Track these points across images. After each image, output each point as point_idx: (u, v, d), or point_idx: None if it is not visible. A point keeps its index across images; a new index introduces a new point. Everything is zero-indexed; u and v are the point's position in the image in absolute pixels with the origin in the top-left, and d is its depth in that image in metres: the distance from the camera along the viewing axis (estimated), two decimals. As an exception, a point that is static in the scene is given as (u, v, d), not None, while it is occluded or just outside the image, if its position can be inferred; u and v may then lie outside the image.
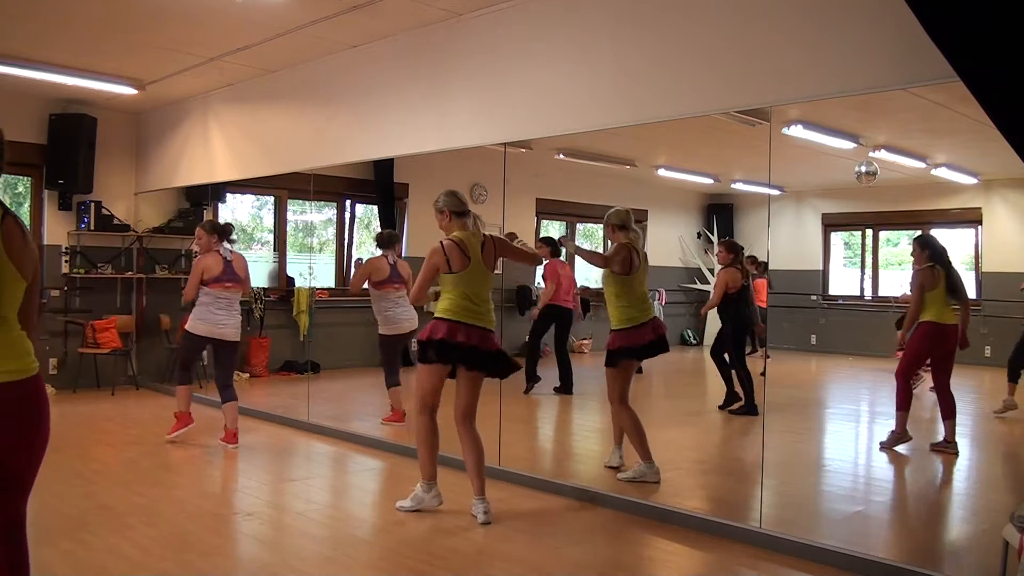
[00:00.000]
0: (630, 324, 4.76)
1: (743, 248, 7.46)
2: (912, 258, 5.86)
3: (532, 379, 8.03)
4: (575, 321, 8.27)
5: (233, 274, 5.71)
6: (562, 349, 8.08)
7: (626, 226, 4.91)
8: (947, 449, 5.66)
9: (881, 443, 5.87)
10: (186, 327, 5.76)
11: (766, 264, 9.77)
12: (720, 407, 7.18)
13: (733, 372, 7.15)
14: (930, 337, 5.66)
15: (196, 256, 5.90)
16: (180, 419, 5.79)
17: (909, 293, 5.87)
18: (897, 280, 9.23)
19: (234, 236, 6.05)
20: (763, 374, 7.59)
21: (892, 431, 5.78)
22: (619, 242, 4.90)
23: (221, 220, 9.45)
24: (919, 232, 11.73)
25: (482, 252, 4.19)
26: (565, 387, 8.01)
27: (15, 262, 2.12)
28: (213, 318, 5.63)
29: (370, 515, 4.33)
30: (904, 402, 5.71)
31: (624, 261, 4.77)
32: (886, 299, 8.95)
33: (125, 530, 3.85)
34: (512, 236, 4.64)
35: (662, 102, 4.27)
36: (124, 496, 4.45)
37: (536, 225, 11.37)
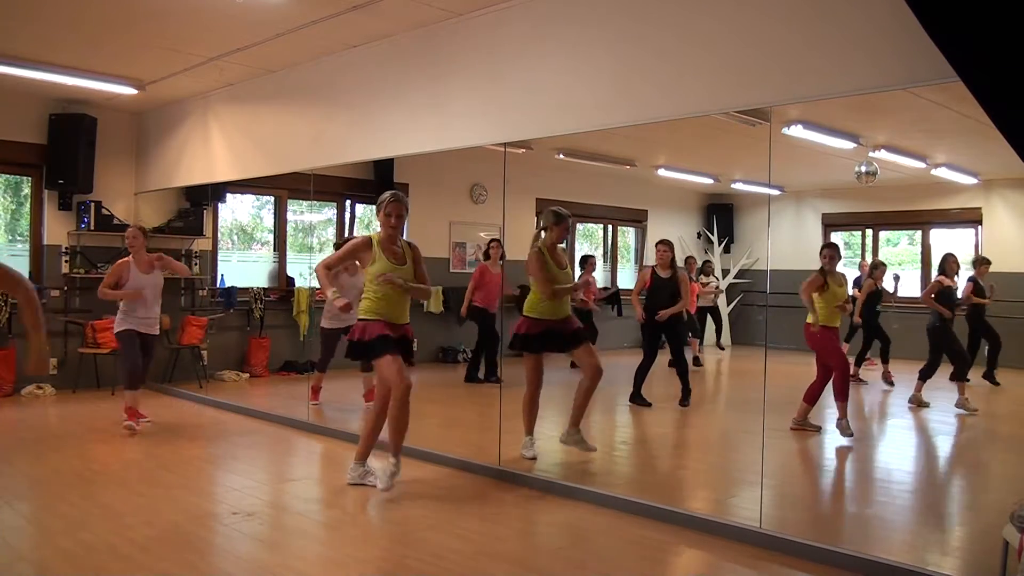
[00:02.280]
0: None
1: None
2: (825, 260, 6.34)
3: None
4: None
5: None
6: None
7: (545, 227, 5.34)
8: (805, 427, 6.31)
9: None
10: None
11: (702, 266, 10.82)
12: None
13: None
14: None
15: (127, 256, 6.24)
16: (131, 414, 6.16)
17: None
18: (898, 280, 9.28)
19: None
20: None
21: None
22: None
23: (222, 221, 9.50)
24: (920, 234, 11.86)
25: None
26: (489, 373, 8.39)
27: None
28: None
29: (370, 515, 4.33)
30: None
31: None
32: (888, 299, 9.01)
33: (125, 530, 3.85)
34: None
35: (662, 102, 4.27)
36: (124, 496, 4.45)
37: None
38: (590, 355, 5.20)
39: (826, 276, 6.24)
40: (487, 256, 8.66)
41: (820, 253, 6.38)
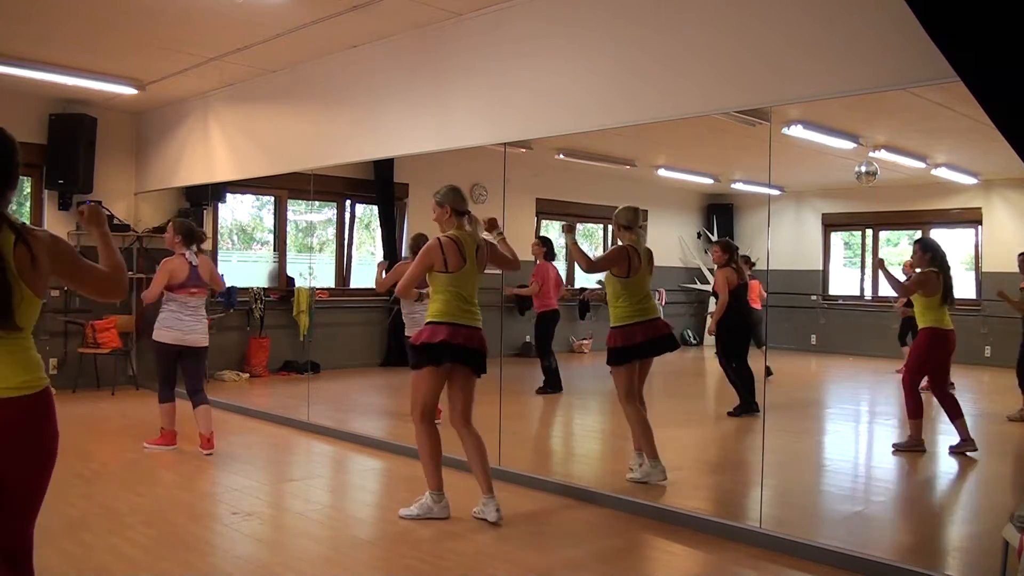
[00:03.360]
0: (628, 322, 4.77)
1: (738, 248, 7.47)
2: (912, 259, 5.83)
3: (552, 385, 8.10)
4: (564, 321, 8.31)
5: (199, 279, 5.56)
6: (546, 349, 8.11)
7: (631, 226, 4.89)
8: (966, 447, 5.65)
9: (895, 445, 5.89)
10: (154, 337, 5.52)
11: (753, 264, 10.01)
12: (730, 413, 7.04)
13: (734, 373, 7.12)
14: (933, 343, 5.69)
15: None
16: (164, 436, 5.64)
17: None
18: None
19: (204, 246, 5.91)
20: (770, 374, 7.48)
21: (909, 436, 5.77)
22: (620, 243, 4.91)
23: (222, 221, 9.47)
24: (920, 234, 11.86)
25: (476, 254, 4.20)
26: (551, 386, 8.03)
27: (27, 283, 2.14)
28: (181, 325, 5.47)
29: (370, 515, 4.33)
30: (915, 410, 5.71)
31: (621, 264, 4.77)
32: (886, 299, 9.05)
33: (125, 530, 3.85)
34: (493, 222, 4.55)
35: (662, 102, 4.27)
36: (124, 496, 4.45)
37: (536, 225, 11.38)
38: (647, 369, 4.98)
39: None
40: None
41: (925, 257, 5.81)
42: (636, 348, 4.77)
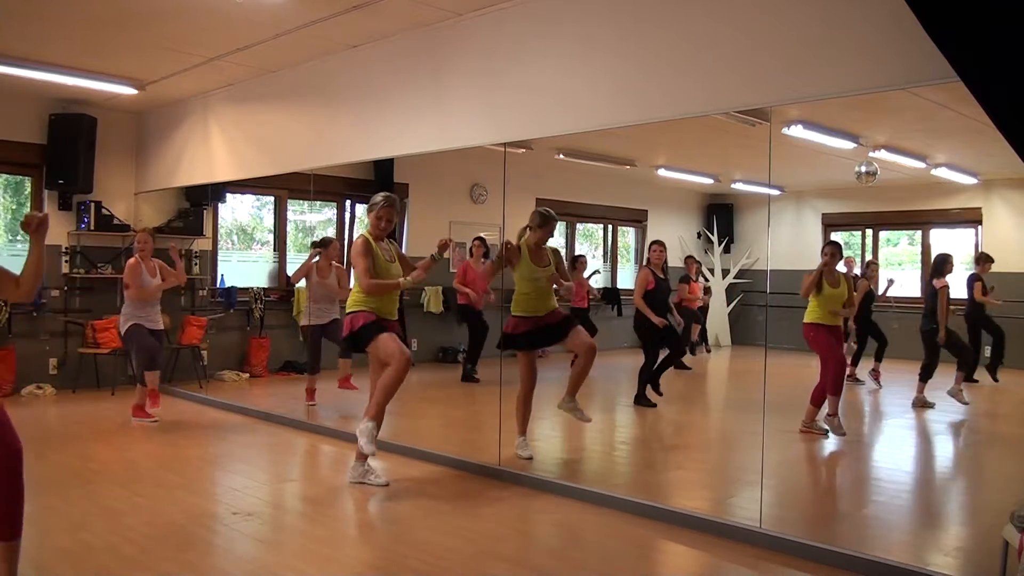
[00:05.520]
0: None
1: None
2: (825, 258, 6.34)
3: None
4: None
5: None
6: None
7: (542, 226, 5.29)
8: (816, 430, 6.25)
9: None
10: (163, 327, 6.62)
11: (699, 264, 10.59)
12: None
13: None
14: None
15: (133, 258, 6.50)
16: (152, 397, 6.49)
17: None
18: (898, 280, 9.35)
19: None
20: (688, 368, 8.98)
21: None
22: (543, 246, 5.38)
23: (222, 221, 9.49)
24: (920, 234, 11.86)
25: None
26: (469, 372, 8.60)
27: None
28: None
29: (369, 515, 4.33)
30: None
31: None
32: (886, 299, 9.10)
33: (125, 530, 3.85)
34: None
35: (662, 102, 4.27)
36: (124, 496, 4.45)
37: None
38: (580, 335, 5.23)
39: (822, 275, 6.22)
40: (471, 254, 8.88)
41: (821, 251, 6.41)
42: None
